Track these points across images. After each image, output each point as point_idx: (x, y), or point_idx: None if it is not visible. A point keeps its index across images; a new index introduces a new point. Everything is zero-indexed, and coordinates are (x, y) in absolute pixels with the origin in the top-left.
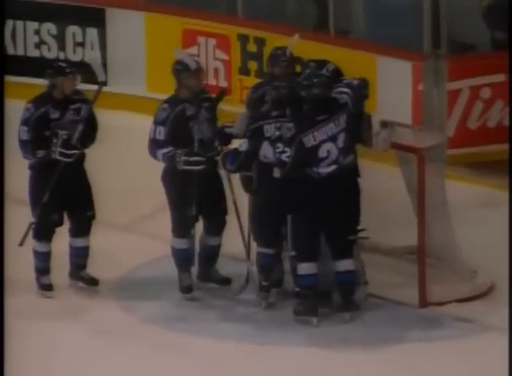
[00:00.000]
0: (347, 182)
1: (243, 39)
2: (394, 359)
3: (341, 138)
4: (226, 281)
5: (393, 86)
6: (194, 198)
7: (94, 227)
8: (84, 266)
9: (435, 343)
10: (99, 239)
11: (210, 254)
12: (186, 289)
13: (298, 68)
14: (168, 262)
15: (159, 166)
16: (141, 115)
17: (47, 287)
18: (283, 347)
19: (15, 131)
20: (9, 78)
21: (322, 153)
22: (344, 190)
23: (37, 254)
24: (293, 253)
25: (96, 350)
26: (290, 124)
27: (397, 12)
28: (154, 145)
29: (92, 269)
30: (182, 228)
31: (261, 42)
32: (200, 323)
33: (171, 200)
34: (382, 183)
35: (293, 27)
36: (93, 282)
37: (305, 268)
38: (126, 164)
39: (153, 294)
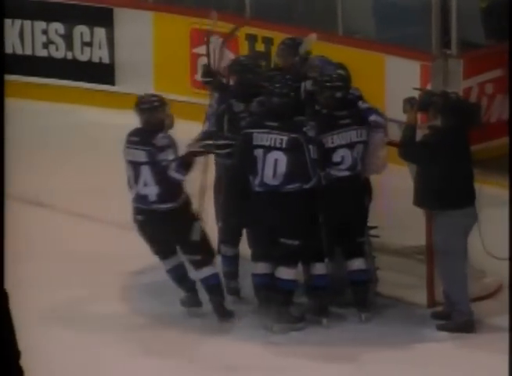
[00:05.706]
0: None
1: (252, 39)
2: (402, 359)
3: (359, 148)
4: None
5: (401, 86)
6: None
7: (100, 227)
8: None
9: (444, 343)
10: (105, 239)
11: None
12: None
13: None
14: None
15: None
16: None
17: (232, 291)
18: (293, 346)
19: (14, 130)
20: (18, 78)
21: (336, 157)
22: (354, 195)
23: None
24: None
25: (98, 349)
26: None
27: (406, 11)
28: None
29: (98, 270)
30: None
31: (269, 42)
32: (211, 323)
33: None
34: (390, 182)
35: (302, 26)
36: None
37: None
38: None
39: (161, 295)
